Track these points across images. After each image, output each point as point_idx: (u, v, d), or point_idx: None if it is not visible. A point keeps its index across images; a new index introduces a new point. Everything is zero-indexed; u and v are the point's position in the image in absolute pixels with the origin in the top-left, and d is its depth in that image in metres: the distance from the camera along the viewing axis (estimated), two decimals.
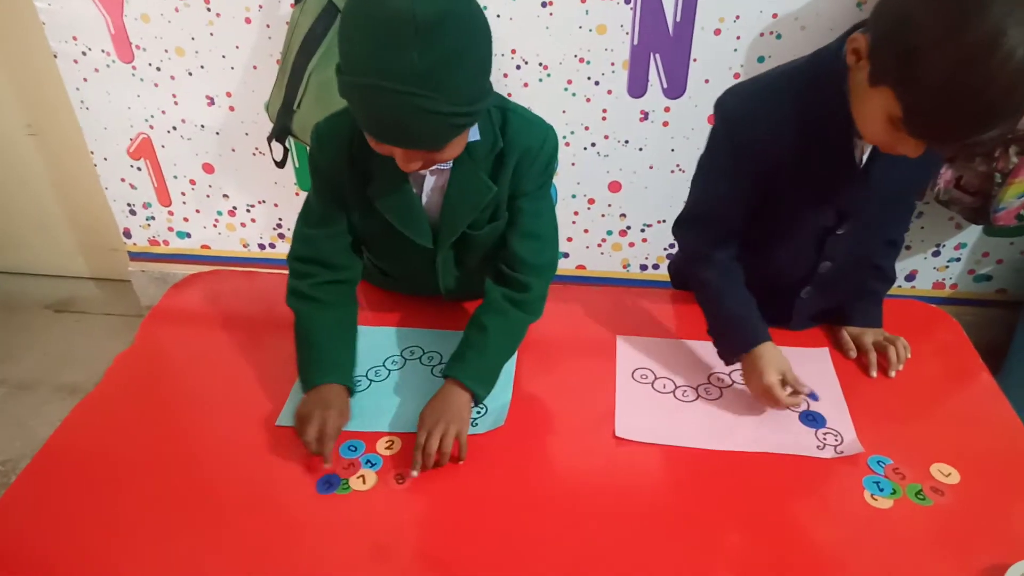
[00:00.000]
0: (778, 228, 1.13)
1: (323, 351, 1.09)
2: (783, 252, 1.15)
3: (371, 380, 1.14)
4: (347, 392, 1.07)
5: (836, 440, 1.03)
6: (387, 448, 1.02)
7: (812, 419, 1.07)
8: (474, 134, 1.02)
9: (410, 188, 1.07)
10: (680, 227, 1.21)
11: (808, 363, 1.17)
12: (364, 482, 0.97)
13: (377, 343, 1.21)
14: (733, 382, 1.14)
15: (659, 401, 1.11)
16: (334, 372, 1.07)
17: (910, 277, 2.09)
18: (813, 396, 1.07)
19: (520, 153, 1.06)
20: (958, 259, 2.04)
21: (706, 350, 1.20)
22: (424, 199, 1.09)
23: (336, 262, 1.14)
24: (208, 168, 2.16)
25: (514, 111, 1.06)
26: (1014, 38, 0.73)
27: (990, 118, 0.78)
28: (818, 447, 1.02)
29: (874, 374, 1.15)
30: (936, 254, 2.04)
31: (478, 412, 1.08)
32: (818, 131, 0.99)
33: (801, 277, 1.17)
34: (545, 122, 1.10)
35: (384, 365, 1.17)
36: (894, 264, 1.23)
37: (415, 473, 0.97)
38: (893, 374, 1.15)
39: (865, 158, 1.02)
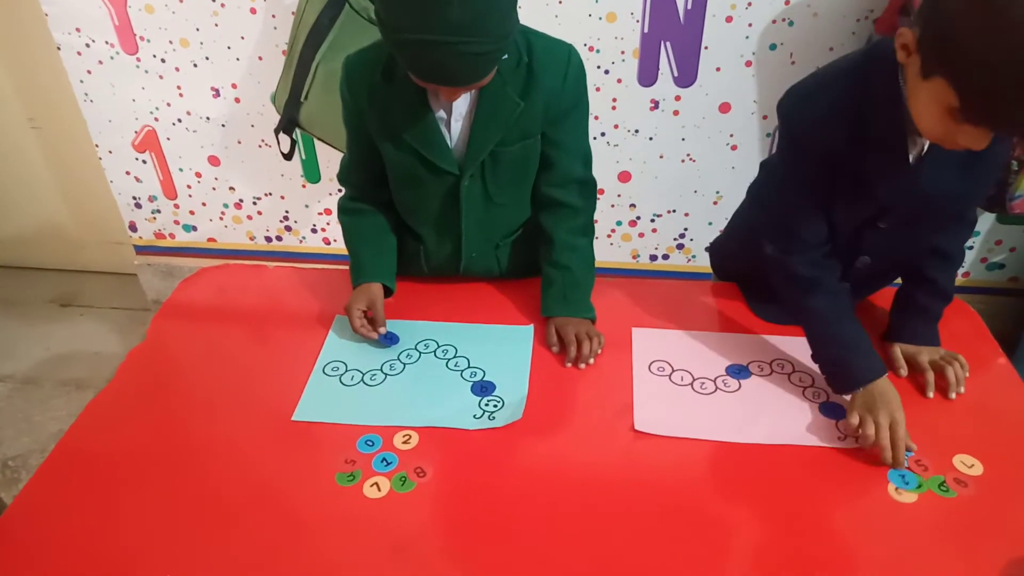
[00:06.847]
0: None
1: (358, 257, 1.26)
2: None
3: (386, 374, 1.13)
4: (380, 287, 1.22)
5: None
6: (404, 443, 1.02)
7: (832, 410, 1.06)
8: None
9: (433, 116, 1.13)
10: (767, 239, 1.15)
11: None
12: (379, 489, 0.95)
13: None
14: (752, 374, 1.13)
15: (677, 394, 1.10)
16: (365, 274, 1.23)
17: None
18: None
19: (550, 74, 1.12)
20: (971, 247, 2.03)
21: (722, 342, 1.19)
22: (453, 123, 1.14)
23: (368, 186, 1.26)
24: (214, 160, 2.14)
25: (530, 30, 1.14)
26: None
27: None
28: (839, 438, 1.01)
29: (931, 395, 1.10)
30: None
31: (495, 406, 1.07)
32: (871, 126, 0.98)
33: (840, 272, 1.14)
34: (562, 40, 1.16)
35: (399, 359, 1.16)
36: (952, 281, 1.17)
37: (569, 364, 1.15)
38: (953, 396, 1.08)
39: (919, 154, 1.00)
